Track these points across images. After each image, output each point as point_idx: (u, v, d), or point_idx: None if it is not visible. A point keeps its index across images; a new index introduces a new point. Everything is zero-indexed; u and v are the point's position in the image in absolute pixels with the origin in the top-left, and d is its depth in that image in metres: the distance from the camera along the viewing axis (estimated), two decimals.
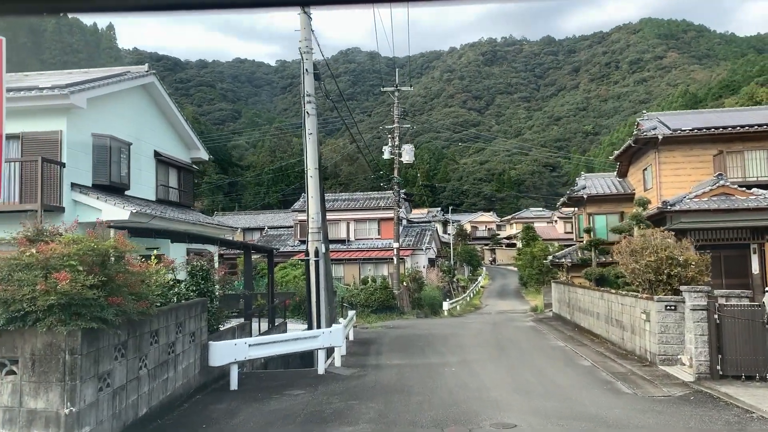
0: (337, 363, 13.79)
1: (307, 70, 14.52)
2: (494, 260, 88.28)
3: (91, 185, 16.21)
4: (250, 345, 11.21)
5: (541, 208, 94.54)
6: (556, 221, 76.35)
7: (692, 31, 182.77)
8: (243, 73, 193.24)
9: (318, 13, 14.36)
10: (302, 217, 13.85)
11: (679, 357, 13.11)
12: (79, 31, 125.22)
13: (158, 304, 8.45)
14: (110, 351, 6.38)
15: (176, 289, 10.89)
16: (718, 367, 10.85)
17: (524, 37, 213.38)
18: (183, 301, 10.19)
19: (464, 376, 12.11)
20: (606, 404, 9.45)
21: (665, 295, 13.99)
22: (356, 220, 39.37)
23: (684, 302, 13.14)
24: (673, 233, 16.26)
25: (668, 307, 13.25)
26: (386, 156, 33.94)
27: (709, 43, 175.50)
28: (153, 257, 9.31)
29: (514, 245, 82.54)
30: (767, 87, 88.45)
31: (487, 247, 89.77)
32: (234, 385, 10.85)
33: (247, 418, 8.44)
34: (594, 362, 14.22)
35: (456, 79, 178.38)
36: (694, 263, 14.26)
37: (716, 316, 10.89)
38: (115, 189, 17.08)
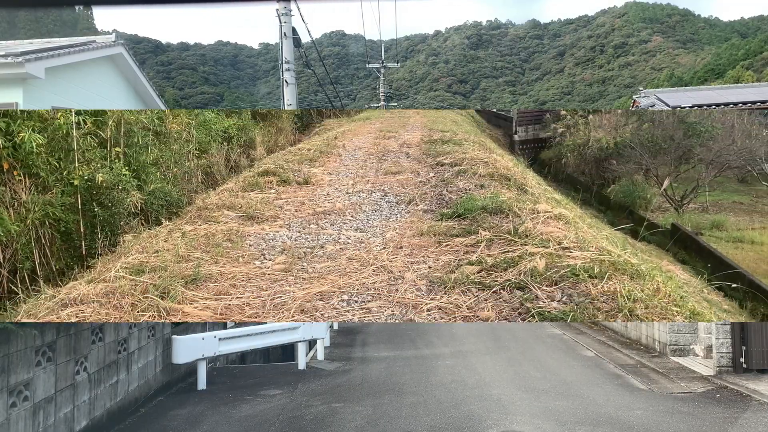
0: (320, 356, 12.58)
1: (285, 33, 13.10)
2: None
3: None
4: (220, 339, 9.91)
5: None
6: None
7: (677, 15, 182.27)
8: (225, 56, 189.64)
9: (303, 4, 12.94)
10: None
11: (692, 347, 12.07)
12: (55, 11, 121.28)
13: None
14: (28, 355, 5.07)
15: None
16: (742, 360, 9.80)
17: (510, 21, 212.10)
18: None
19: (460, 370, 10.96)
20: (623, 404, 8.34)
21: None
22: None
23: None
24: None
25: None
26: None
27: (693, 27, 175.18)
28: None
29: None
30: (753, 71, 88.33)
31: None
32: (202, 384, 9.58)
33: (212, 427, 7.19)
34: (598, 352, 13.15)
35: (441, 63, 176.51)
36: None
37: None
38: None
